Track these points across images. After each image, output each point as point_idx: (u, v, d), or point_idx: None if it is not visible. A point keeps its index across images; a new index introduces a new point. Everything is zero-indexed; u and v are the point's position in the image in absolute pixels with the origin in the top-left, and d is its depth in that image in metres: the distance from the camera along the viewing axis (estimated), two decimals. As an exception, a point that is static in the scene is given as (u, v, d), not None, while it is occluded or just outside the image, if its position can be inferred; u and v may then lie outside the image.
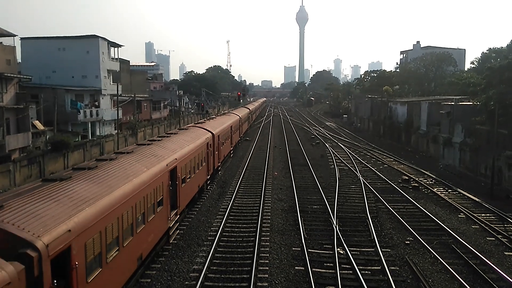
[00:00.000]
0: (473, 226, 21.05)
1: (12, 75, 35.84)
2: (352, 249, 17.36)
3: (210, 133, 28.10)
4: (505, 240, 19.03)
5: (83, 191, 10.43)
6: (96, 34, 51.71)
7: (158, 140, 20.36)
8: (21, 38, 50.35)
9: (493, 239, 19.26)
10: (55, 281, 8.06)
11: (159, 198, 15.27)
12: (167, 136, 22.75)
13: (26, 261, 7.28)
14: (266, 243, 18.01)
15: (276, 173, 33.24)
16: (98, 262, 10.10)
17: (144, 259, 14.08)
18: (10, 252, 7.25)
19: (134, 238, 12.49)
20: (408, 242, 18.49)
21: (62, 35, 53.39)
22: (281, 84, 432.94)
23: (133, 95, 54.77)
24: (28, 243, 7.54)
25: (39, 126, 37.93)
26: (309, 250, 17.25)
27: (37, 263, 7.50)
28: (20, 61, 51.92)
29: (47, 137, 36.77)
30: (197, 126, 29.94)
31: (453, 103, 41.74)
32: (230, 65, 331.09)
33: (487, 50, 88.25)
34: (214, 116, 47.97)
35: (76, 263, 8.87)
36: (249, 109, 74.96)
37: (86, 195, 10.31)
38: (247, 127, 65.16)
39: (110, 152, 26.87)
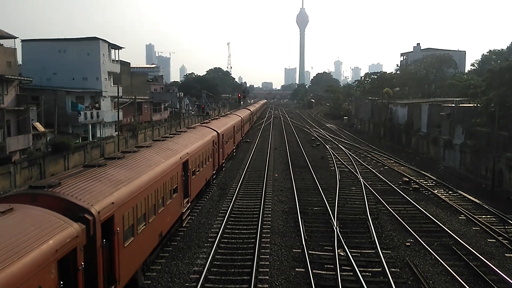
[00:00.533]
0: (473, 228, 21.03)
1: (12, 77, 35.92)
2: (352, 250, 17.35)
3: (215, 132, 30.06)
4: (506, 241, 19.00)
5: (118, 175, 12.70)
6: (96, 36, 51.81)
7: (171, 137, 22.94)
8: (22, 40, 50.50)
9: (494, 240, 19.23)
10: (104, 240, 10.23)
11: (174, 186, 17.43)
12: (178, 134, 25.14)
13: (85, 222, 9.42)
14: (267, 245, 18.00)
15: (276, 175, 33.23)
16: (131, 232, 12.36)
17: (163, 236, 16.16)
18: (72, 216, 9.29)
19: (156, 217, 14.66)
20: (409, 244, 18.48)
21: (63, 37, 53.36)
22: (282, 86, 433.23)
23: (133, 97, 54.85)
24: (85, 209, 9.74)
25: (40, 128, 37.97)
26: (310, 251, 17.24)
27: (93, 225, 9.67)
28: (20, 63, 52.03)
29: (48, 139, 36.82)
30: (203, 126, 32.07)
31: (453, 105, 41.74)
32: (231, 67, 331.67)
33: (487, 52, 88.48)
34: (217, 117, 50.88)
35: (117, 229, 11.14)
36: (250, 110, 77.35)
37: (121, 178, 12.53)
38: (249, 128, 67.33)
39: (132, 146, 30.27)
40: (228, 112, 69.87)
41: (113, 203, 10.92)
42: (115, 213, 11.02)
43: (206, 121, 40.40)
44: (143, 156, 15.98)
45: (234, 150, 42.70)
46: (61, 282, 8.34)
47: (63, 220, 8.97)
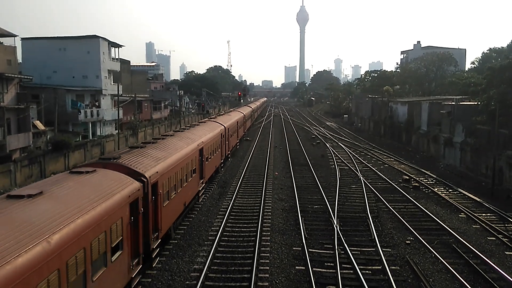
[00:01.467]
0: (473, 226, 21.04)
1: (13, 75, 35.90)
2: (352, 248, 17.37)
3: (222, 126, 33.82)
4: (506, 240, 19.01)
5: (156, 154, 16.62)
6: (96, 34, 51.77)
7: (188, 129, 27.18)
8: (22, 39, 50.46)
9: (494, 238, 19.24)
10: (153, 197, 14.23)
11: (194, 167, 21.44)
12: (193, 126, 29.42)
13: (142, 182, 13.26)
14: (267, 243, 18.01)
15: (276, 173, 33.24)
16: (168, 196, 16.33)
17: (186, 205, 20.10)
18: (133, 177, 13.00)
19: (182, 189, 18.70)
20: (409, 242, 18.49)
21: (63, 35, 53.35)
22: (282, 84, 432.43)
23: (133, 95, 54.82)
24: (141, 174, 13.58)
25: (40, 126, 37.97)
26: (310, 249, 17.26)
27: (146, 185, 13.53)
28: (21, 61, 51.99)
29: (48, 137, 36.84)
30: (211, 120, 36.39)
31: (453, 103, 41.72)
32: (231, 65, 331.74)
33: (487, 50, 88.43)
34: (223, 113, 57.56)
35: (160, 191, 15.03)
36: (251, 107, 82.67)
37: (159, 156, 16.50)
38: (250, 124, 72.49)
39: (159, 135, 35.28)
40: (231, 110, 73.15)
41: (157, 172, 14.84)
42: (159, 180, 14.92)
43: (212, 117, 45.71)
44: (170, 142, 20.01)
45: (238, 143, 46.34)
46: (132, 218, 12.13)
47: (129, 178, 12.79)
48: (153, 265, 15.10)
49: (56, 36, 53.54)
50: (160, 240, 15.35)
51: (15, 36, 41.64)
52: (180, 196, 18.39)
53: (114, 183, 11.75)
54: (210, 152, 26.63)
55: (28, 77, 39.86)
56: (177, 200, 17.85)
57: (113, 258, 10.81)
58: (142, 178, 13.34)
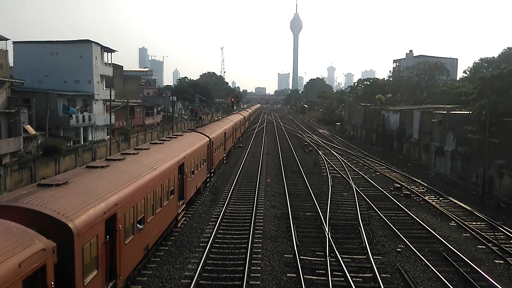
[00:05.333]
0: (464, 234, 21.16)
1: (4, 79, 35.64)
2: (344, 256, 17.37)
3: (224, 128, 39.20)
4: (496, 248, 19.13)
5: (173, 148, 20.77)
6: (89, 39, 51.62)
7: (204, 125, 37.63)
8: (14, 42, 50.18)
9: (484, 247, 19.36)
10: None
11: (204, 158, 26.97)
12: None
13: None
14: (258, 250, 17.96)
15: (269, 180, 33.22)
16: (190, 174, 22.15)
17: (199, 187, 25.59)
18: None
19: (198, 171, 24.54)
20: (400, 250, 18.54)
21: (55, 40, 53.10)
22: (275, 91, 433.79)
23: (126, 101, 54.61)
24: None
25: (31, 130, 37.65)
26: (301, 257, 17.23)
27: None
28: (12, 65, 51.68)
29: (39, 142, 36.53)
30: (215, 123, 42.05)
31: (445, 112, 42.09)
32: (224, 72, 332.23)
33: (479, 60, 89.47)
34: (226, 115, 68.57)
35: (186, 170, 20.71)
36: (247, 111, 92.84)
37: (178, 148, 21.35)
38: (246, 127, 79.26)
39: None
40: (234, 113, 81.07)
41: (184, 157, 20.16)
42: (185, 162, 20.09)
43: (216, 119, 54.09)
44: (177, 141, 23.66)
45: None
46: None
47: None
48: None
49: (48, 40, 53.15)
50: None
51: (6, 39, 41.42)
52: (196, 179, 21.96)
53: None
54: (218, 145, 30.01)
55: (20, 81, 39.57)
56: (194, 180, 21.17)
57: None
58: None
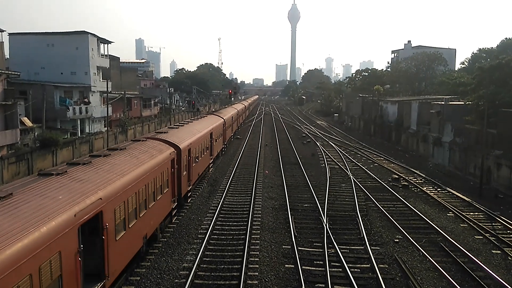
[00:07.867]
0: (461, 225, 21.23)
1: (0, 71, 35.33)
2: (342, 247, 17.41)
3: (222, 118, 41.21)
4: (493, 238, 19.21)
5: (183, 132, 24.63)
6: (85, 30, 51.21)
7: (200, 118, 37.61)
8: (9, 34, 49.68)
9: (481, 237, 19.43)
10: (186, 163, 20.96)
11: (207, 145, 29.83)
12: (204, 116, 40.74)
13: (177, 149, 19.77)
14: (257, 241, 17.99)
15: (267, 172, 33.21)
16: (197, 159, 24.80)
17: (202, 172, 27.99)
18: (171, 146, 19.20)
19: (202, 158, 27.26)
20: (397, 240, 18.59)
21: (51, 31, 52.63)
22: (273, 82, 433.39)
23: (123, 92, 54.35)
24: (176, 145, 19.97)
25: (28, 123, 37.45)
26: (299, 248, 17.26)
27: (179, 152, 19.95)
28: (8, 57, 51.28)
29: (36, 134, 36.34)
30: (214, 114, 43.89)
31: (443, 102, 42.05)
32: (222, 63, 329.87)
33: (477, 50, 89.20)
34: (226, 106, 69.51)
35: (191, 156, 22.75)
36: (244, 104, 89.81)
37: (186, 133, 24.33)
38: (244, 119, 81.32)
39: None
40: (231, 104, 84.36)
41: (191, 143, 22.78)
42: (191, 147, 22.61)
43: (213, 110, 55.45)
44: (190, 126, 28.07)
45: (237, 131, 54.54)
46: (172, 170, 18.33)
47: (168, 147, 18.95)
48: None
49: (44, 31, 52.64)
50: None
51: (2, 31, 41.03)
52: (200, 164, 24.83)
53: (161, 146, 17.16)
54: (218, 135, 33.42)
55: (16, 73, 39.23)
56: (199, 165, 24.29)
57: None
58: (176, 148, 20.35)
